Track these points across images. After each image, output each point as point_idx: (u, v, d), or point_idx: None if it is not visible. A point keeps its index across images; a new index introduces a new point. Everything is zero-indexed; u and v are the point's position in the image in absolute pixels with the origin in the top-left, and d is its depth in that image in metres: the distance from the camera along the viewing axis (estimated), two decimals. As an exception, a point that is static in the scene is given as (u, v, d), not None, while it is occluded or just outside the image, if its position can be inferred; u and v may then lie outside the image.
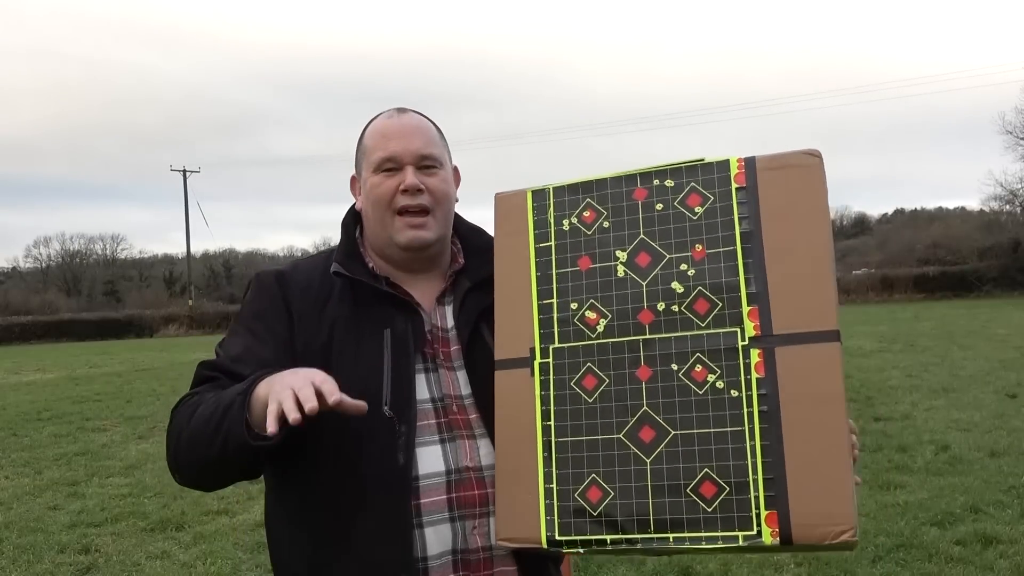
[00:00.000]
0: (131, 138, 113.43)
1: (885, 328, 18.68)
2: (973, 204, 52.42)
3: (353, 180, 1.68)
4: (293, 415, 1.27)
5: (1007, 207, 39.31)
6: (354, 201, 1.68)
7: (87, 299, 54.97)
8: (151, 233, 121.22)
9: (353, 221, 1.66)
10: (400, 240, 1.57)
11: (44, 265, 62.36)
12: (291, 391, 1.29)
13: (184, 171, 50.46)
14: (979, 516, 5.19)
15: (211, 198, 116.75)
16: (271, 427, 1.28)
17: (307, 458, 1.49)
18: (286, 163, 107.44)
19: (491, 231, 1.65)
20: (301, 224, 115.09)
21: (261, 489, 6.71)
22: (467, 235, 1.70)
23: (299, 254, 68.96)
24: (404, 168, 1.56)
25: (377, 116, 1.64)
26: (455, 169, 1.68)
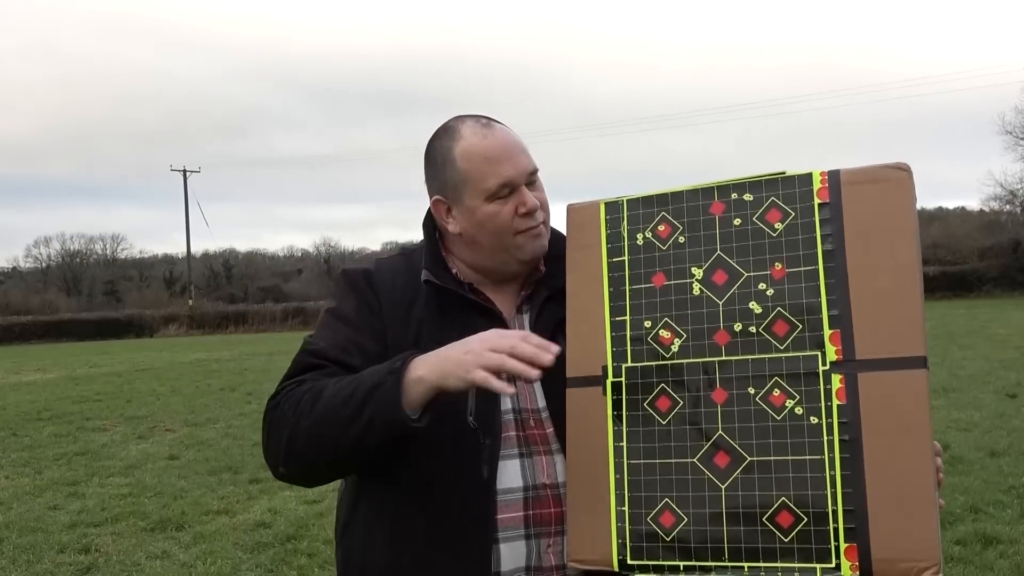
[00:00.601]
0: (132, 138, 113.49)
1: (885, 328, 18.60)
2: (973, 204, 52.47)
3: (438, 203, 1.56)
4: (532, 373, 1.29)
5: (1007, 207, 39.33)
6: (437, 216, 1.58)
7: (87, 299, 54.98)
8: (151, 233, 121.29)
9: (433, 224, 1.61)
10: (526, 257, 1.53)
11: (44, 265, 62.40)
12: (497, 353, 1.30)
13: (184, 171, 50.48)
14: (979, 516, 5.19)
15: (212, 198, 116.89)
16: (505, 387, 1.29)
17: (393, 463, 1.46)
18: (288, 163, 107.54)
19: None
20: (302, 224, 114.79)
21: (262, 489, 6.71)
22: (551, 241, 1.61)
23: (299, 254, 69.03)
24: (519, 190, 1.50)
25: (458, 131, 1.52)
26: None
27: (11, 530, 6.03)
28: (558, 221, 1.63)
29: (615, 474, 1.40)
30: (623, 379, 1.43)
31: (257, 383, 14.28)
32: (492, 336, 1.34)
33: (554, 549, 1.47)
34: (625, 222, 1.49)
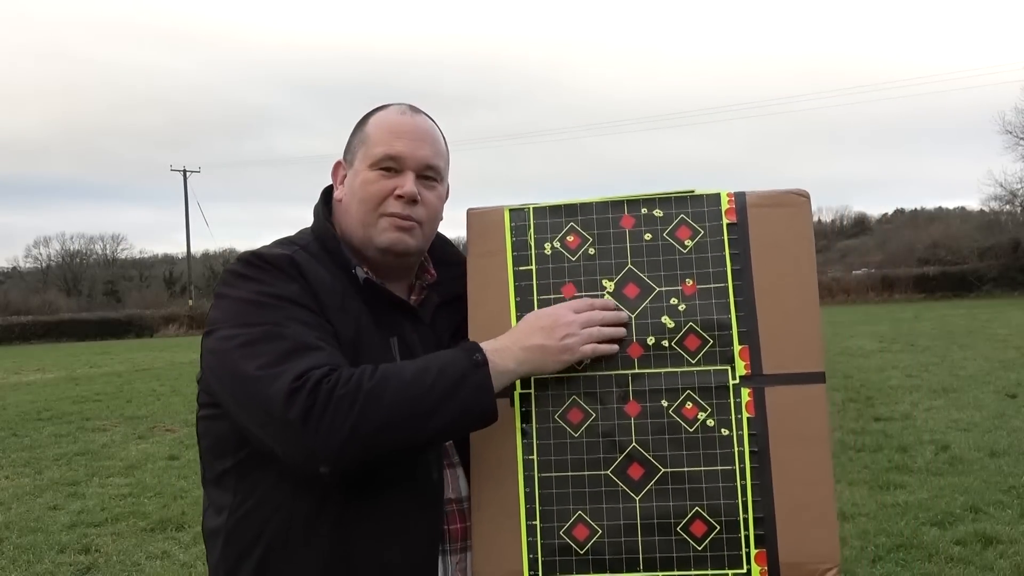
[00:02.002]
0: (133, 138, 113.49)
1: (885, 328, 18.66)
2: (973, 204, 52.49)
3: (338, 166, 1.53)
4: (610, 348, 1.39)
5: (1007, 207, 39.34)
6: (330, 185, 1.54)
7: (87, 299, 54.95)
8: (151, 233, 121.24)
9: (327, 209, 1.52)
10: (381, 241, 1.45)
11: (44, 265, 62.35)
12: (594, 327, 1.37)
13: (184, 171, 50.48)
14: (979, 516, 5.19)
15: (214, 198, 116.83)
16: (613, 348, 1.39)
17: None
18: (290, 163, 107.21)
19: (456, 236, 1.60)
20: (303, 224, 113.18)
21: (261, 489, 6.54)
22: (434, 245, 1.57)
23: (299, 254, 68.76)
24: (405, 172, 1.45)
25: (386, 107, 1.52)
26: (447, 186, 1.56)
27: (11, 530, 6.02)
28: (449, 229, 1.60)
29: (525, 487, 1.40)
30: (532, 391, 1.42)
31: (257, 383, 14.25)
32: (569, 312, 1.38)
33: (460, 566, 1.44)
34: (532, 230, 1.49)
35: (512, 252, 1.48)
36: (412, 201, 1.45)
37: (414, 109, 1.52)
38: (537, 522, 1.39)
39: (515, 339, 1.36)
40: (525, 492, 1.40)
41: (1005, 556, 4.52)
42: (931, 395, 9.58)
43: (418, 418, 1.27)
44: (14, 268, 62.72)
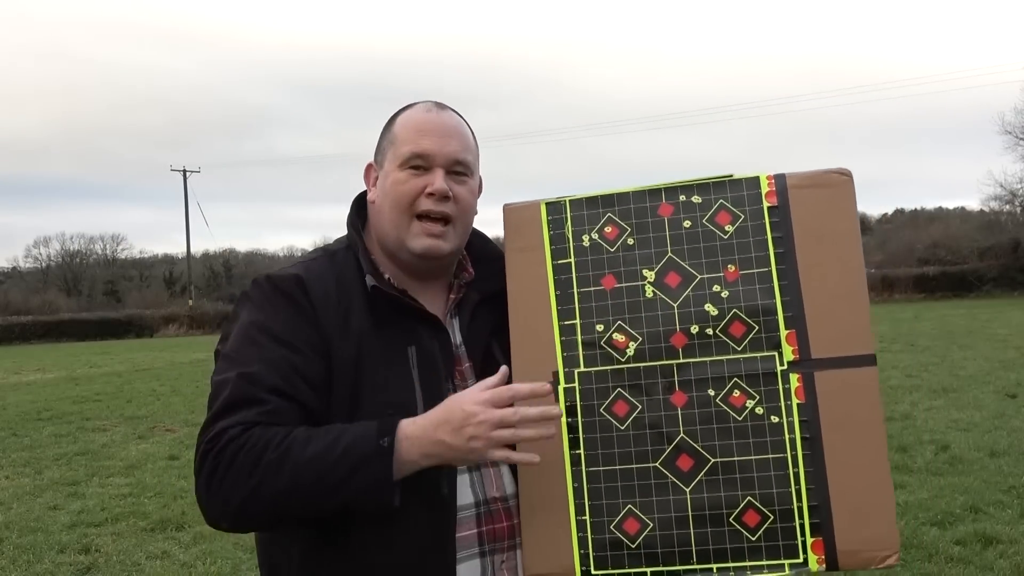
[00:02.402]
0: (134, 138, 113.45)
1: (885, 328, 18.66)
2: (973, 204, 52.50)
3: (369, 168, 1.53)
4: (549, 432, 1.30)
5: (1007, 207, 39.32)
6: (364, 190, 1.55)
7: (87, 299, 54.92)
8: (151, 233, 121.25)
9: (359, 217, 1.53)
10: (415, 247, 1.44)
11: (44, 265, 62.34)
12: (508, 429, 1.27)
13: (184, 171, 50.49)
14: (979, 516, 5.19)
15: (215, 198, 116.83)
16: (532, 459, 1.30)
17: None
18: (291, 163, 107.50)
19: (491, 234, 1.57)
20: (303, 224, 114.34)
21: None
22: (472, 241, 1.56)
23: (299, 254, 68.93)
24: (434, 170, 1.43)
25: (412, 106, 1.51)
26: (479, 179, 1.55)
27: (11, 530, 6.03)
28: (487, 226, 1.59)
29: (573, 483, 1.38)
30: (576, 384, 1.41)
31: (257, 383, 14.26)
32: (486, 408, 1.27)
33: (508, 564, 1.43)
34: (569, 223, 1.47)
35: (550, 246, 1.47)
36: (444, 198, 1.43)
37: (440, 106, 1.50)
38: (587, 517, 1.37)
39: (426, 430, 1.29)
40: (573, 487, 1.39)
41: (1005, 556, 4.52)
42: (931, 395, 9.58)
43: (316, 494, 1.28)
44: (14, 268, 62.75)
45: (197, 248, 71.19)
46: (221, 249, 64.46)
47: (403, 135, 1.47)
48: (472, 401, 1.28)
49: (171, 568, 5.10)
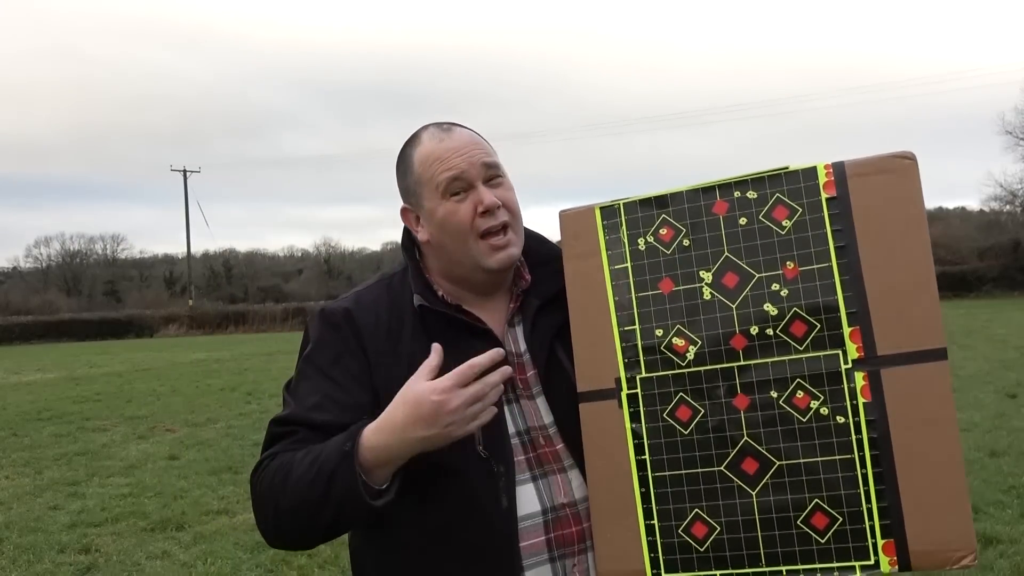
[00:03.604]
0: (136, 138, 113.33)
1: (885, 328, 18.61)
2: (973, 204, 52.51)
3: (406, 212, 1.54)
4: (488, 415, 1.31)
5: (1007, 207, 39.37)
6: (406, 226, 1.56)
7: (87, 299, 54.98)
8: (151, 233, 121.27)
9: (412, 245, 1.56)
10: (491, 264, 1.46)
11: (44, 265, 62.38)
12: (478, 403, 1.29)
13: (184, 171, 50.50)
14: (979, 516, 5.18)
15: (218, 198, 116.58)
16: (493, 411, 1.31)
17: (402, 502, 1.38)
18: (294, 163, 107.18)
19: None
20: (305, 224, 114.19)
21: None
22: (530, 244, 1.56)
23: (299, 254, 68.98)
24: (474, 187, 1.45)
25: (418, 138, 1.51)
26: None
27: (11, 530, 6.03)
28: (546, 227, 1.60)
29: (640, 487, 1.38)
30: (639, 390, 1.40)
31: (257, 383, 14.27)
32: (455, 392, 1.29)
33: (580, 568, 1.44)
34: (624, 227, 1.45)
35: (607, 251, 1.45)
36: (496, 208, 1.45)
37: (443, 127, 1.51)
38: (655, 521, 1.37)
39: (395, 431, 1.31)
40: (641, 492, 1.38)
41: (1005, 556, 4.52)
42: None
43: (312, 507, 1.34)
44: (14, 268, 62.81)
45: (197, 248, 71.25)
46: (221, 249, 64.49)
47: (429, 171, 1.47)
48: (438, 390, 1.29)
49: (171, 568, 5.10)
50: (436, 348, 1.34)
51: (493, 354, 1.32)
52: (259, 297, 53.40)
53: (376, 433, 1.32)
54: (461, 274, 1.50)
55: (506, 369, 1.33)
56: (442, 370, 1.38)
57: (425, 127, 1.52)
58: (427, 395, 1.29)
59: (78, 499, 6.88)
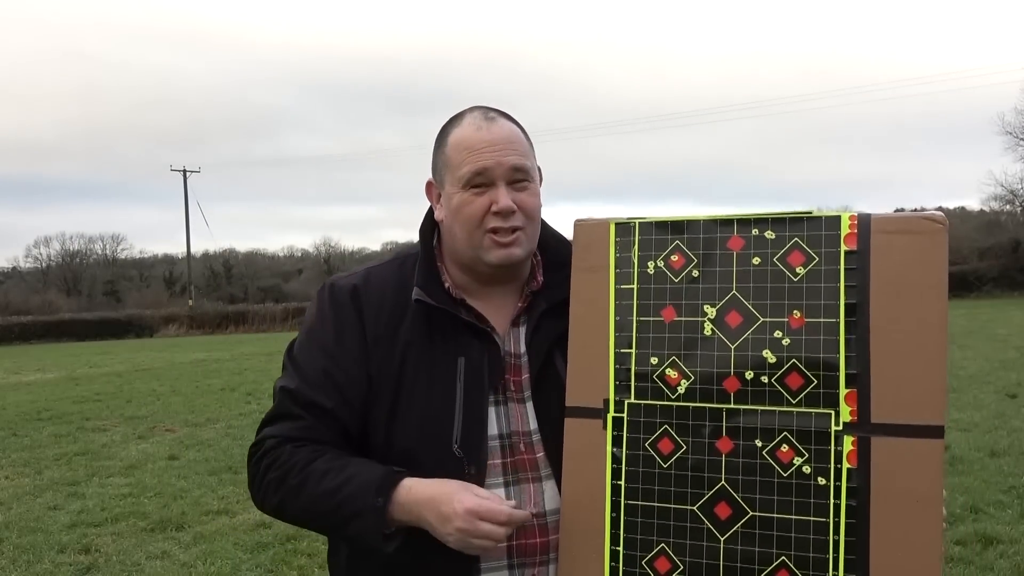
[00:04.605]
0: (140, 139, 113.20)
1: (885, 328, 18.62)
2: (973, 204, 52.47)
3: (430, 186, 1.55)
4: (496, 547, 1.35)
5: (1007, 207, 39.32)
6: (431, 207, 1.57)
7: (87, 299, 54.91)
8: (151, 233, 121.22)
9: (430, 229, 1.56)
10: (491, 259, 1.47)
11: (44, 265, 62.33)
12: (489, 541, 1.32)
13: (184, 171, 50.48)
14: (979, 516, 5.19)
15: (221, 198, 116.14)
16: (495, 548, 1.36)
17: None
18: (296, 162, 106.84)
19: None
20: (306, 224, 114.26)
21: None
22: (549, 244, 1.57)
23: (299, 254, 68.97)
24: (496, 185, 1.44)
25: (461, 118, 1.51)
26: (539, 170, 1.56)
27: (11, 530, 6.03)
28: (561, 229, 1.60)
29: (611, 512, 1.37)
30: (625, 415, 1.38)
31: (257, 383, 14.27)
32: (474, 520, 1.31)
33: None
34: (636, 247, 1.42)
35: (615, 269, 1.43)
36: (511, 212, 1.45)
37: (487, 116, 1.49)
38: (620, 548, 1.36)
39: (417, 504, 1.36)
40: (611, 517, 1.37)
41: (1005, 556, 4.52)
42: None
43: (324, 527, 1.48)
44: (14, 268, 62.74)
45: (197, 248, 71.20)
46: (221, 249, 64.46)
47: (458, 157, 1.47)
48: (464, 507, 1.32)
49: (171, 568, 5.10)
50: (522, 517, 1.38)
51: (523, 516, 1.37)
52: (259, 297, 53.37)
53: (405, 492, 1.37)
54: (466, 262, 1.51)
55: (508, 530, 1.35)
56: (430, 361, 1.44)
57: (472, 109, 1.52)
58: (460, 496, 1.33)
59: (78, 499, 6.88)
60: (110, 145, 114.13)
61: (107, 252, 64.14)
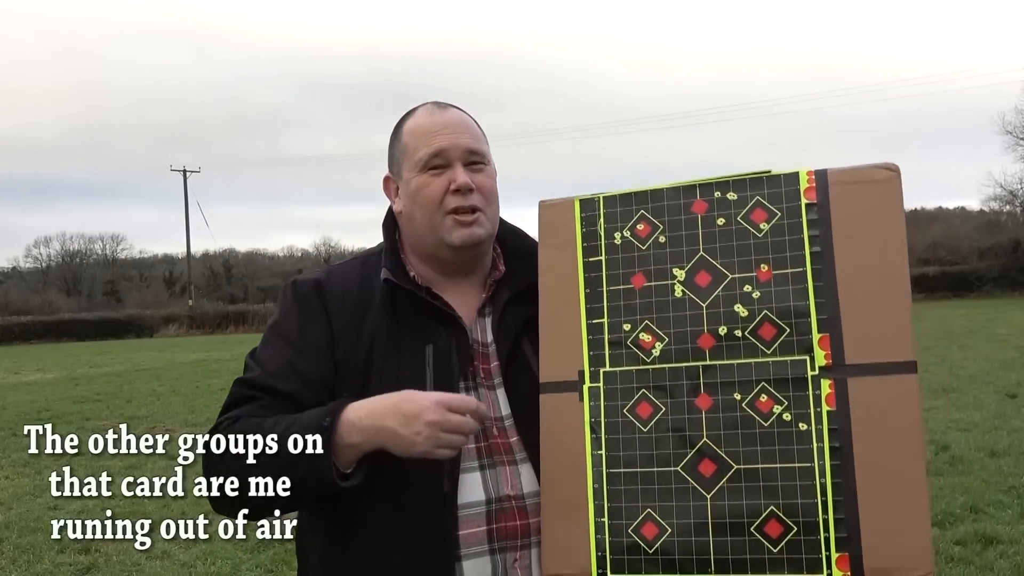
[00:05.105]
0: (141, 138, 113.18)
1: (885, 328, 18.61)
2: (973, 204, 52.55)
3: (387, 181, 1.56)
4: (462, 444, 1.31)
5: (1007, 207, 39.38)
6: (390, 203, 1.58)
7: (87, 299, 54.92)
8: (151, 233, 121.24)
9: (393, 224, 1.58)
10: (453, 239, 1.47)
11: (44, 265, 62.34)
12: (455, 435, 1.29)
13: (184, 171, 50.50)
14: (979, 516, 5.19)
15: (222, 198, 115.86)
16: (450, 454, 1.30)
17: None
18: (299, 163, 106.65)
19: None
20: (307, 224, 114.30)
21: (261, 489, 6.57)
22: (507, 238, 1.59)
23: (299, 254, 68.97)
24: (453, 165, 1.47)
25: (414, 111, 1.54)
26: (494, 167, 1.58)
27: (11, 530, 6.03)
28: (523, 221, 1.61)
29: (593, 483, 1.36)
30: (601, 384, 1.38)
31: (257, 383, 14.27)
32: (442, 410, 1.29)
33: (521, 564, 1.42)
34: (602, 220, 1.44)
35: (582, 243, 1.45)
36: (468, 190, 1.47)
37: (440, 105, 1.54)
38: (605, 519, 1.34)
39: (373, 415, 1.32)
40: (594, 488, 1.35)
41: (1005, 556, 4.52)
42: (931, 395, 9.57)
43: (274, 481, 1.34)
44: (14, 268, 62.72)
45: (197, 248, 71.13)
46: (221, 249, 64.47)
47: (414, 141, 1.50)
48: (432, 399, 1.30)
49: (171, 568, 5.11)
50: (480, 411, 1.35)
51: (480, 408, 1.34)
52: (259, 297, 53.36)
53: (356, 409, 1.33)
54: (428, 250, 1.52)
55: (478, 424, 1.34)
56: (397, 349, 1.43)
57: (424, 103, 1.55)
58: (420, 398, 1.30)
59: (78, 499, 6.87)
60: (110, 144, 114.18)
61: (107, 252, 64.19)
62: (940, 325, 19.08)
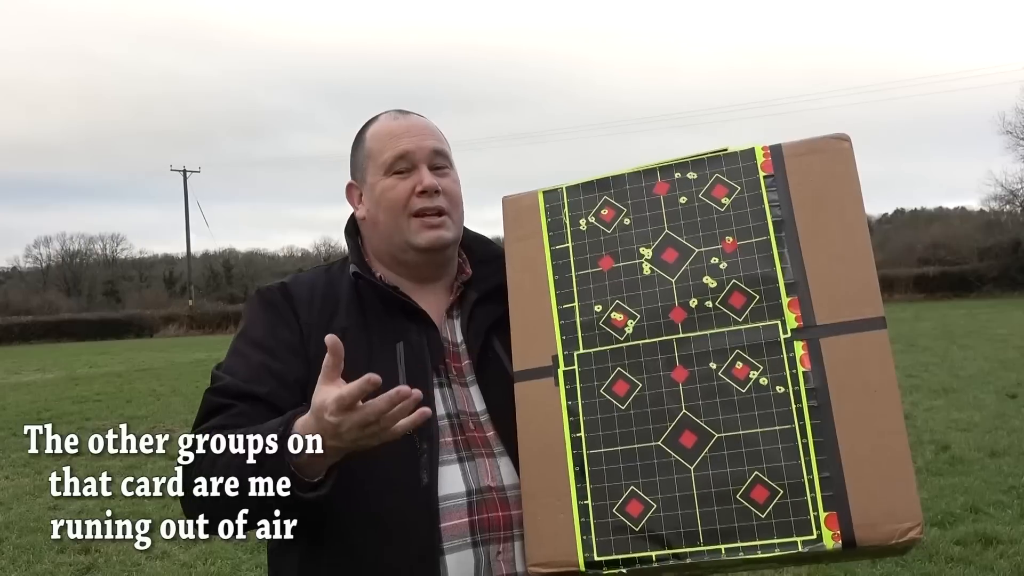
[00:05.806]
0: (142, 139, 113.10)
1: (885, 328, 18.62)
2: (973, 204, 52.52)
3: (351, 187, 1.57)
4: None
5: (1007, 207, 39.37)
6: (350, 202, 1.58)
7: (87, 299, 54.94)
8: (151, 233, 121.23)
9: (355, 229, 1.58)
10: (419, 242, 1.47)
11: (44, 265, 62.34)
12: (356, 429, 1.19)
13: (184, 171, 50.50)
14: (979, 516, 5.19)
15: (223, 198, 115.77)
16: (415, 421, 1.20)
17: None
18: (300, 163, 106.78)
19: (500, 234, 1.58)
20: (307, 224, 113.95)
21: (261, 489, 6.61)
22: (472, 245, 1.59)
23: (299, 254, 68.97)
24: (418, 168, 1.47)
25: (376, 118, 1.56)
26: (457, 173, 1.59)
27: (11, 530, 6.03)
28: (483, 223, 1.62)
29: (574, 467, 1.35)
30: (576, 367, 1.38)
31: (257, 383, 14.28)
32: (343, 414, 1.19)
33: (505, 556, 1.40)
34: (566, 209, 1.47)
35: (548, 232, 1.46)
36: (435, 192, 1.47)
37: (402, 112, 1.55)
38: (589, 501, 1.33)
39: (309, 427, 1.25)
40: (575, 471, 1.34)
41: (1005, 556, 4.52)
42: (931, 395, 9.58)
43: (238, 489, 1.30)
44: (14, 268, 62.73)
45: (197, 248, 71.13)
46: (221, 249, 64.47)
47: (378, 145, 1.51)
48: (328, 410, 1.21)
49: (171, 568, 5.11)
50: (330, 342, 1.25)
51: (369, 379, 1.20)
52: (259, 297, 53.26)
53: (304, 420, 1.26)
54: (394, 254, 1.51)
55: (400, 391, 1.21)
56: (368, 347, 1.40)
57: (386, 111, 1.56)
58: (322, 413, 1.22)
59: (78, 499, 6.87)
60: (110, 145, 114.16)
61: (107, 252, 64.19)
62: (940, 325, 19.08)
